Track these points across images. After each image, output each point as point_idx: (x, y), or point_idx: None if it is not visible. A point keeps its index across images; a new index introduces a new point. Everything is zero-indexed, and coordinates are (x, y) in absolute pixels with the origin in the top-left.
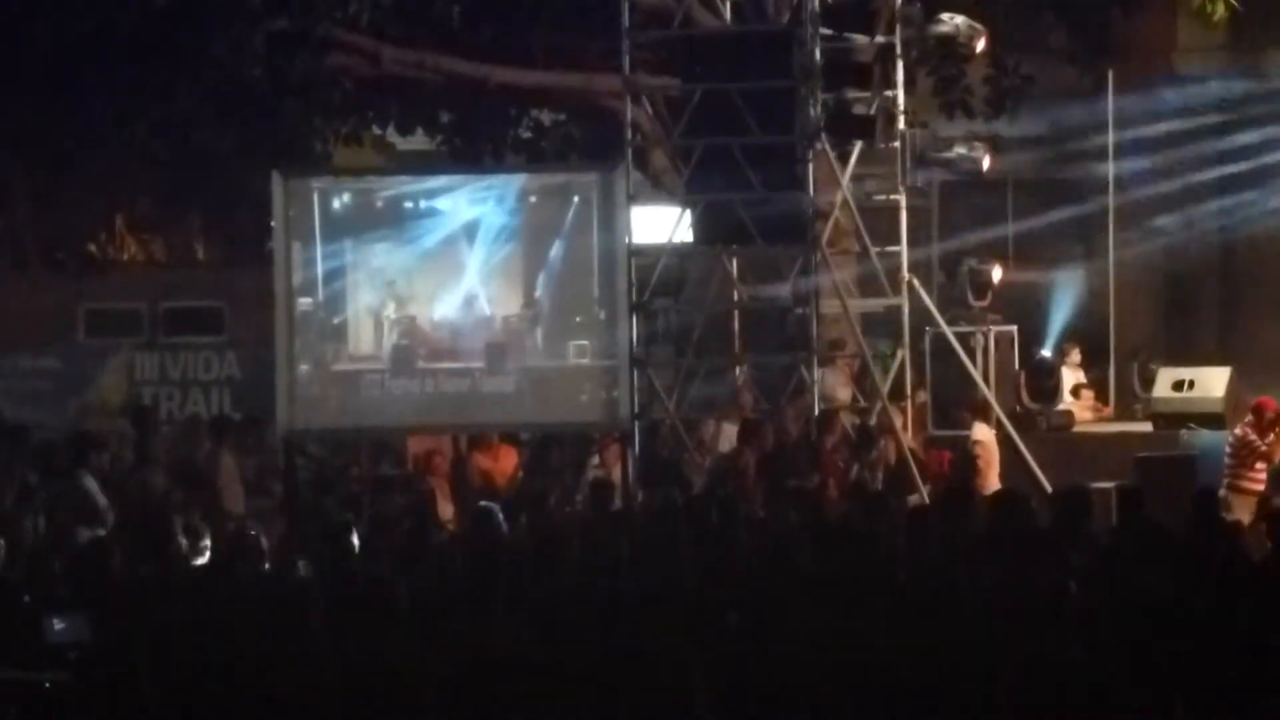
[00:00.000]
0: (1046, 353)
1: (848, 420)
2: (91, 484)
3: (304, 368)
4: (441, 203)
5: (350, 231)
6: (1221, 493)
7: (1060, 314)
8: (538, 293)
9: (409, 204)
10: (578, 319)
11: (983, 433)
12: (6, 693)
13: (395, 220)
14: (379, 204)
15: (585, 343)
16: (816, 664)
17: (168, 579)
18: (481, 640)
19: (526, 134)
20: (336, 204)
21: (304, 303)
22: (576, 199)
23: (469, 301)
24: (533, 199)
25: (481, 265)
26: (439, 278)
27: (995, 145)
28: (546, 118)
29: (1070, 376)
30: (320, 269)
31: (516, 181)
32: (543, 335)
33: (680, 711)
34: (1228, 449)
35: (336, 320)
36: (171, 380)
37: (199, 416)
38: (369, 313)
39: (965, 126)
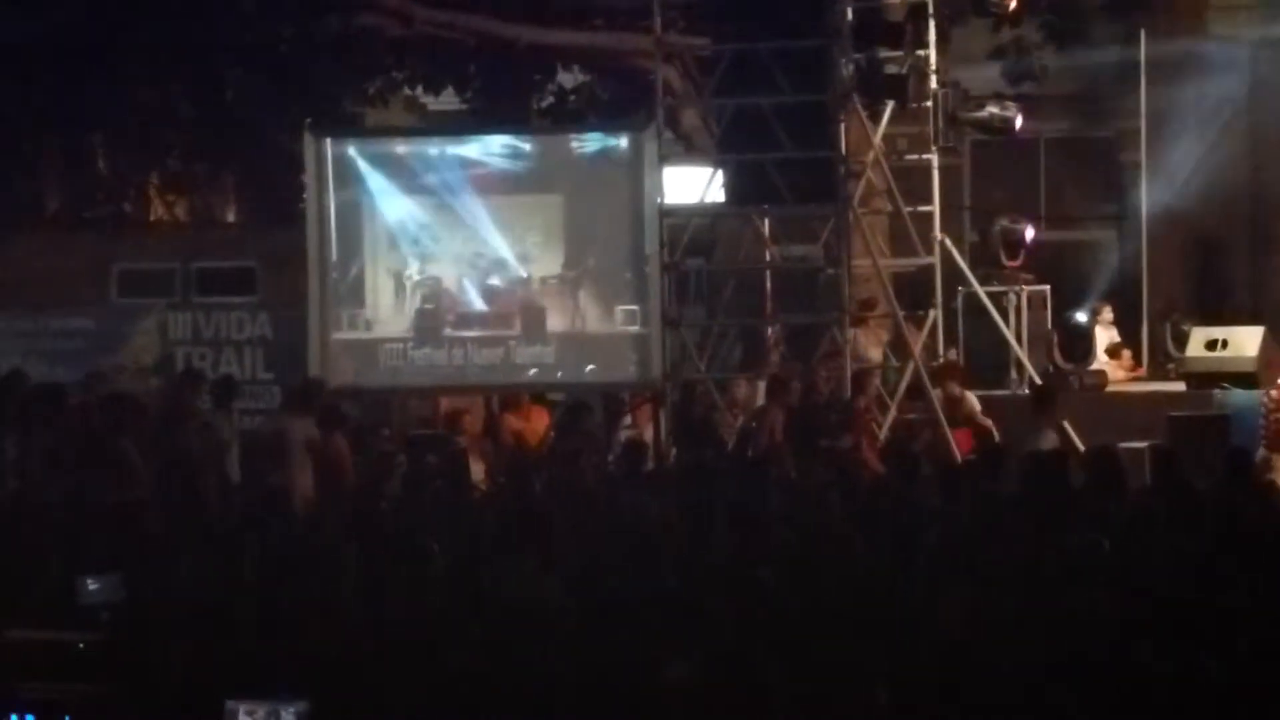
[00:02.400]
0: (1081, 316)
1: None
2: (128, 445)
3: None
4: (469, 152)
5: (366, 182)
6: (1262, 453)
7: (1093, 273)
8: (578, 253)
9: (434, 152)
10: (623, 278)
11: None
12: (40, 653)
13: (417, 172)
14: (400, 154)
15: (635, 308)
16: (848, 621)
17: (201, 539)
18: (515, 598)
19: (554, 93)
20: (353, 152)
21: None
22: (608, 159)
23: (500, 262)
24: (564, 157)
25: (513, 223)
26: (465, 235)
27: (1027, 104)
28: (576, 77)
29: (1104, 336)
30: (334, 224)
31: (548, 140)
32: (585, 298)
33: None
34: (1264, 409)
35: (350, 280)
36: (204, 340)
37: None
38: (389, 273)
39: (997, 85)
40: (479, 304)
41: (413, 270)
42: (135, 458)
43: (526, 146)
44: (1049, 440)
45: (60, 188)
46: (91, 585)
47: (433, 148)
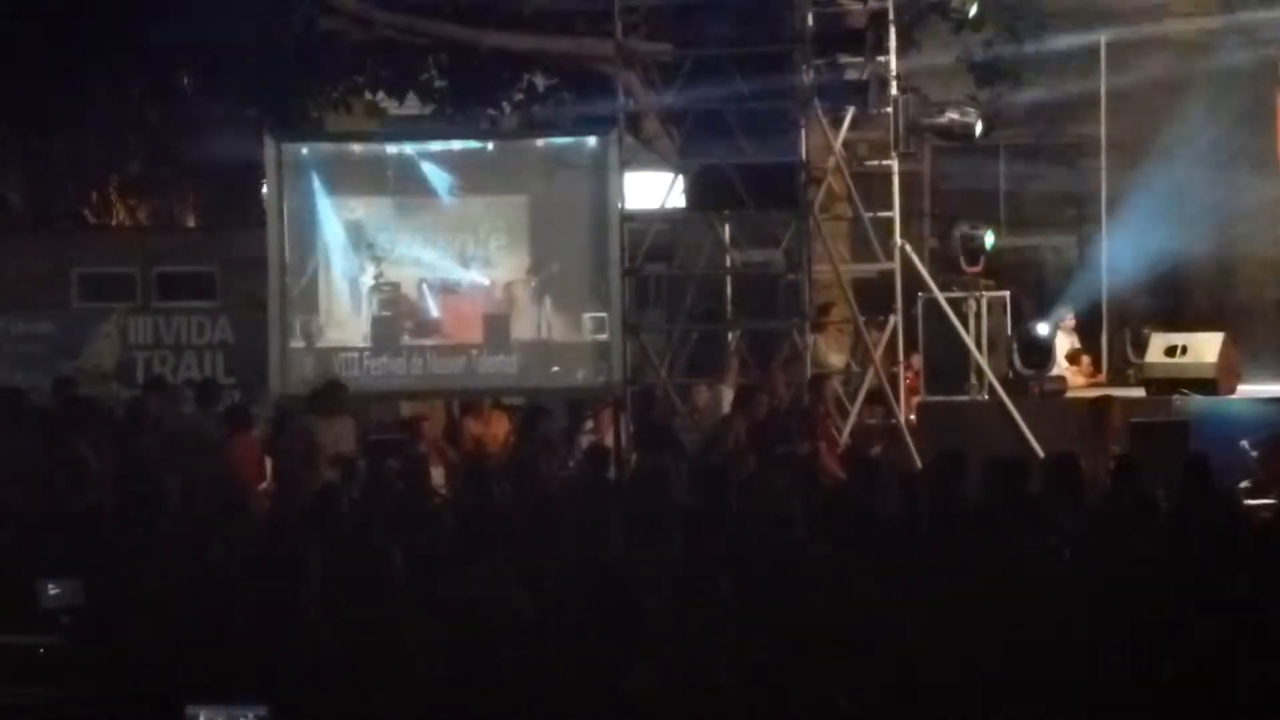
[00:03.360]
0: (1043, 329)
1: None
2: (86, 450)
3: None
4: (430, 153)
5: (322, 185)
6: None
7: (1052, 280)
8: (543, 257)
9: (393, 151)
10: (586, 283)
11: None
12: (1, 658)
13: (376, 173)
14: (358, 155)
15: (602, 315)
16: (807, 627)
17: (161, 544)
18: (475, 602)
19: (519, 98)
20: (310, 155)
21: None
22: (571, 163)
23: (461, 266)
24: (529, 159)
25: (476, 224)
26: (425, 237)
27: (988, 110)
28: (539, 82)
29: (1065, 342)
30: (287, 228)
31: (510, 144)
32: (550, 304)
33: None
34: None
35: (303, 285)
36: (165, 344)
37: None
38: (344, 278)
39: (958, 91)
40: (438, 312)
41: (368, 275)
42: (93, 462)
43: (489, 147)
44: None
45: (21, 191)
46: (52, 589)
47: (391, 148)
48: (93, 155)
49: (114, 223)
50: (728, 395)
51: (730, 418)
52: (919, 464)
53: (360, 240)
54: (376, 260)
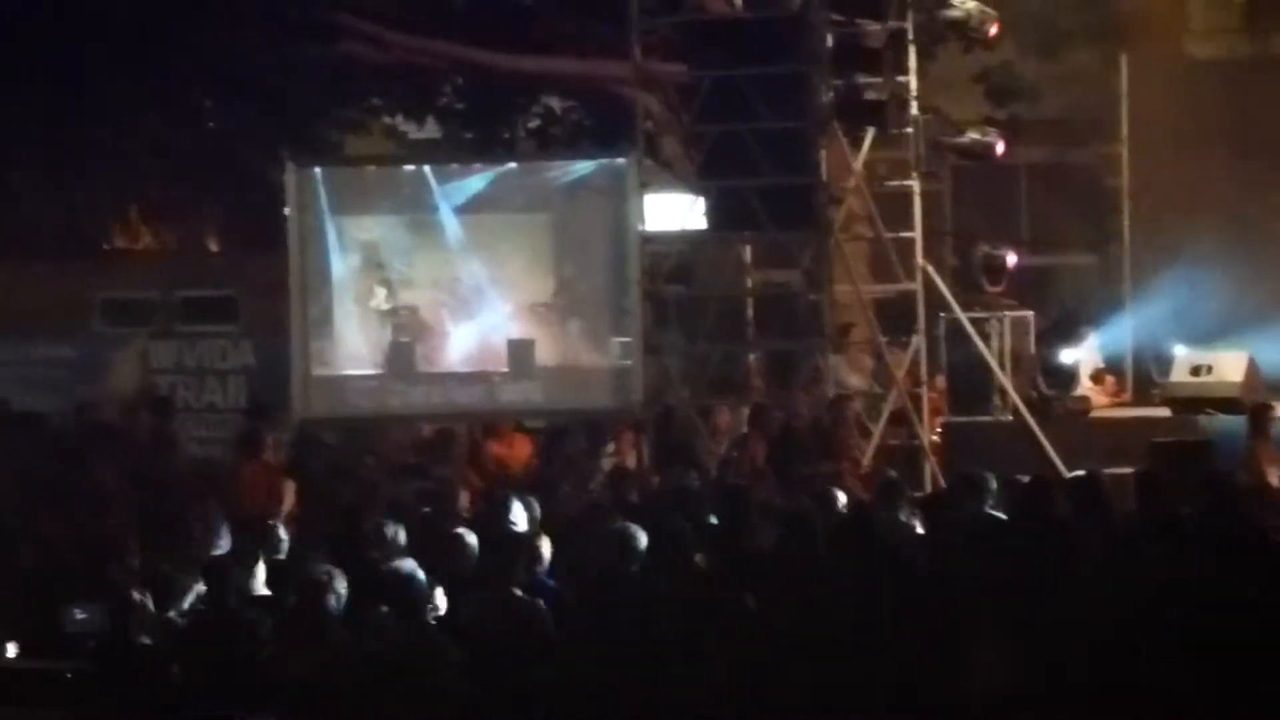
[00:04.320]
0: (1068, 353)
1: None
2: (106, 474)
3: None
4: (445, 178)
5: (338, 207)
6: None
7: (1076, 299)
8: (566, 278)
9: (409, 174)
10: (607, 305)
11: None
12: (26, 682)
13: (392, 194)
14: (372, 176)
15: (629, 339)
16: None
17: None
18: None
19: (536, 120)
20: (327, 177)
21: None
22: (588, 185)
23: (480, 289)
24: (546, 184)
25: (495, 245)
26: (443, 258)
27: (1009, 129)
28: (557, 104)
29: (1087, 361)
30: (307, 252)
31: (528, 166)
32: (574, 326)
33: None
34: None
35: (312, 311)
36: (187, 369)
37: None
38: (355, 301)
39: (977, 108)
40: (458, 337)
41: (379, 299)
42: (113, 487)
43: (508, 170)
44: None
45: (42, 215)
46: (77, 614)
47: (410, 170)
48: (114, 180)
49: (137, 247)
50: (745, 417)
51: (747, 436)
52: (942, 484)
53: (374, 262)
54: (391, 283)
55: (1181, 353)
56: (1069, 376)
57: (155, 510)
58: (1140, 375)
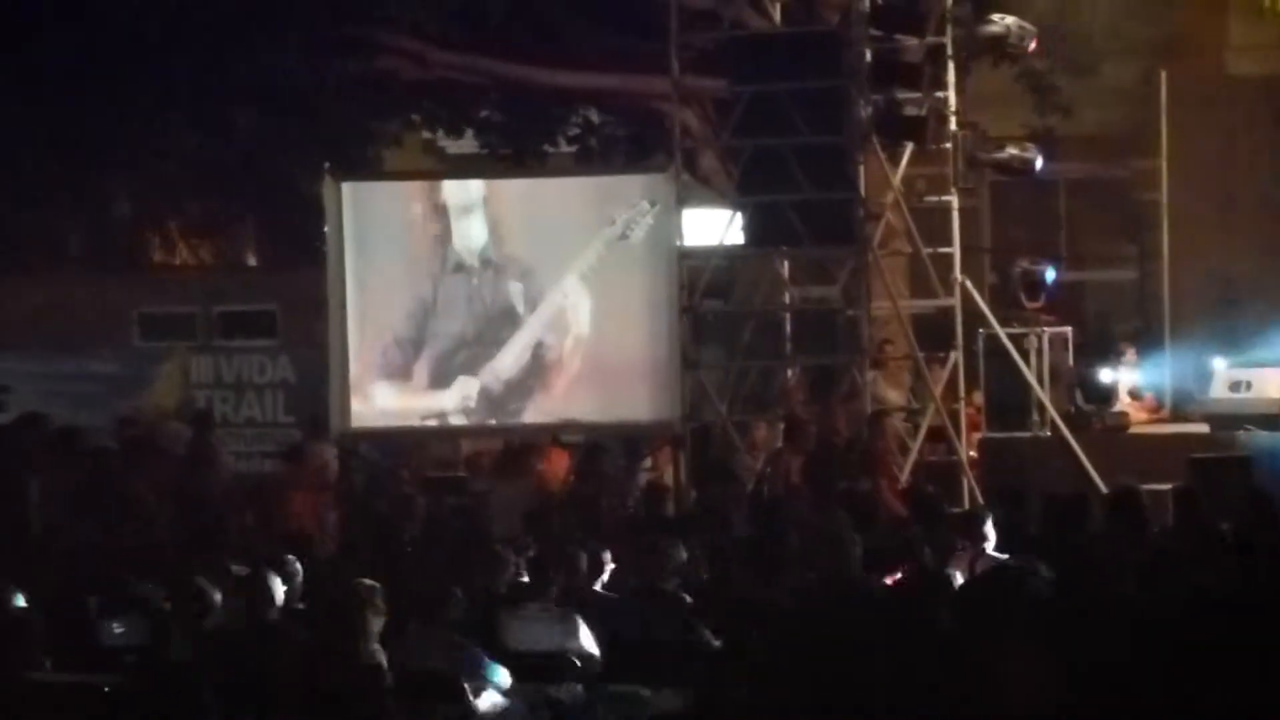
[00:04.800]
0: (1107, 371)
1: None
2: (145, 489)
3: (356, 369)
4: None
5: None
6: None
7: (1114, 314)
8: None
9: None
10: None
11: None
12: (64, 696)
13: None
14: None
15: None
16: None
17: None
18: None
19: (574, 134)
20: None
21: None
22: (626, 200)
23: (537, 349)
24: (583, 199)
25: (529, 263)
26: (482, 272)
27: (1047, 145)
28: (594, 119)
29: (1126, 377)
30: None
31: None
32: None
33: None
34: None
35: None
36: (226, 384)
37: None
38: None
39: (1014, 121)
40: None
41: (424, 313)
42: (153, 502)
43: (547, 185)
44: None
45: (82, 231)
46: (115, 628)
47: (450, 185)
48: (153, 195)
49: (176, 262)
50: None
51: (782, 451)
52: (980, 500)
53: (418, 278)
54: (433, 307)
55: (1221, 368)
56: (1107, 392)
57: (194, 524)
58: (1179, 391)
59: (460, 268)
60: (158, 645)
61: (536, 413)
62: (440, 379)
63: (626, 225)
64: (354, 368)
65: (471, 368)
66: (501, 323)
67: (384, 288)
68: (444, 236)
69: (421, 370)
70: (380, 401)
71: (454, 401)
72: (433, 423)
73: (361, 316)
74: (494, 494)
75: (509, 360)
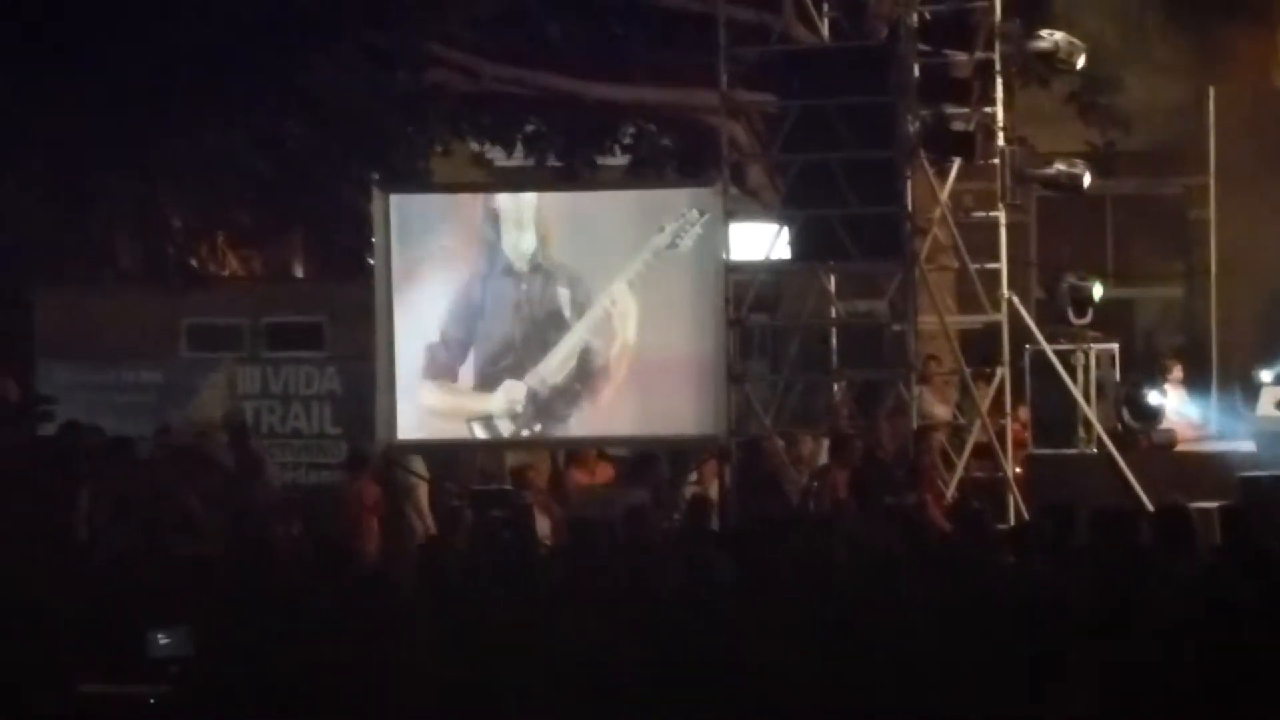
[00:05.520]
0: (1153, 399)
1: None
2: (194, 500)
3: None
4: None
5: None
6: None
7: (1161, 331)
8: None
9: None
10: (691, 333)
11: None
12: (111, 707)
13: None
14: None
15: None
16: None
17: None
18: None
19: (631, 137)
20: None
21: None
22: (672, 228)
23: (583, 355)
24: (632, 212)
25: (579, 275)
26: (530, 285)
27: (1095, 161)
28: (642, 133)
29: (1173, 394)
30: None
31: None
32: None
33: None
34: None
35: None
36: (273, 395)
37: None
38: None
39: (1063, 137)
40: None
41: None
42: (201, 512)
43: (596, 198)
44: None
45: (131, 242)
46: (161, 639)
47: (503, 198)
48: (201, 206)
49: (224, 273)
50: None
51: (829, 466)
52: (1026, 517)
53: (467, 280)
54: (481, 309)
55: (1268, 385)
56: (1154, 410)
57: (240, 534)
58: (1225, 408)
59: (509, 272)
60: (203, 656)
61: (582, 424)
62: (487, 381)
63: (675, 234)
64: (399, 369)
65: (518, 371)
66: (548, 327)
67: (431, 289)
68: (493, 241)
69: (468, 372)
70: (425, 400)
71: (501, 405)
72: (479, 426)
73: (408, 318)
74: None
75: (555, 365)
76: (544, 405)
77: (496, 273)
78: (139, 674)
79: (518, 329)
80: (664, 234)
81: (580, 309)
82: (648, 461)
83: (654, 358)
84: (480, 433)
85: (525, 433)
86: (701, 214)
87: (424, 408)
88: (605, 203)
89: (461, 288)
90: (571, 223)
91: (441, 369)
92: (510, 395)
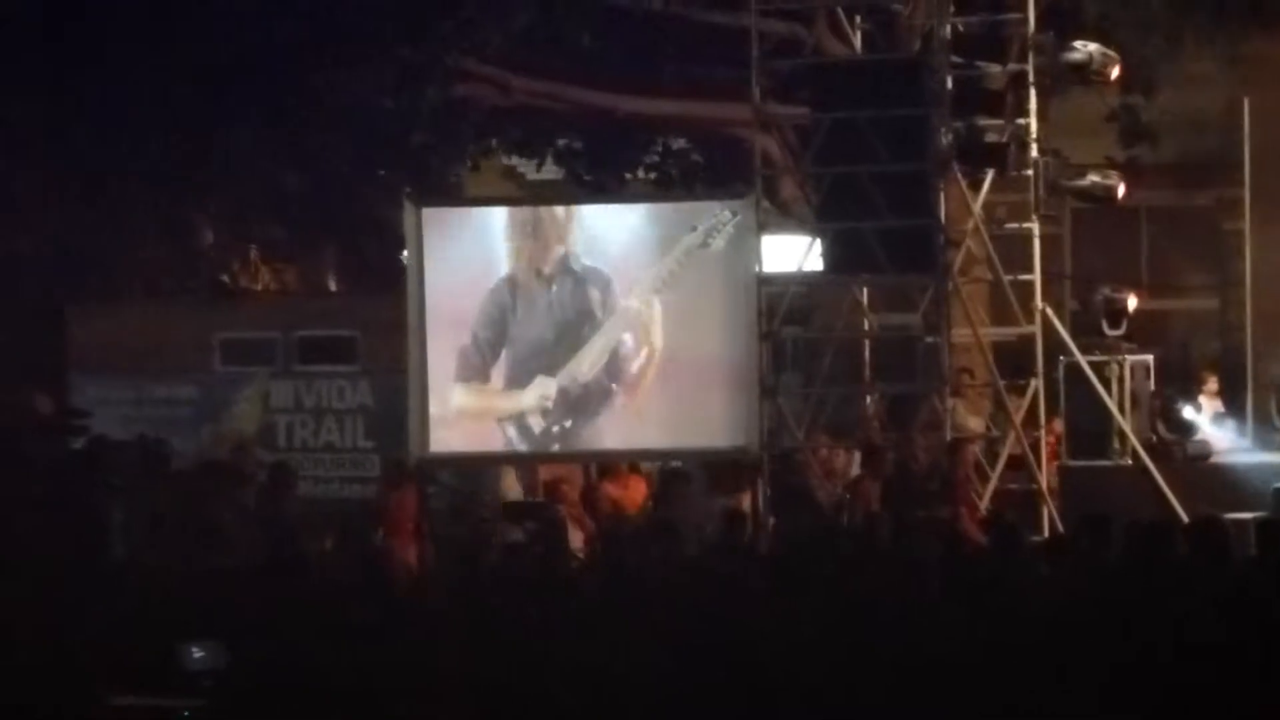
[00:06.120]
0: (1190, 409)
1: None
2: (226, 514)
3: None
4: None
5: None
6: None
7: (1196, 342)
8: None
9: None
10: (723, 345)
11: None
12: None
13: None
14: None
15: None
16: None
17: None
18: (612, 669)
19: (654, 159)
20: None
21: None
22: (705, 227)
23: (615, 352)
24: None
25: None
26: (563, 299)
27: (1129, 172)
28: (674, 146)
29: (1208, 406)
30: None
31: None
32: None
33: None
34: None
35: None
36: (306, 409)
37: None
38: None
39: (1096, 149)
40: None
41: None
42: (234, 526)
43: (627, 211)
44: None
45: (164, 257)
46: (195, 652)
47: (542, 211)
48: (235, 221)
49: (257, 287)
50: None
51: (860, 478)
52: (1060, 529)
53: (498, 283)
54: (513, 302)
55: None
56: (1189, 422)
57: (273, 548)
58: (1261, 420)
59: (540, 275)
60: (237, 670)
61: (613, 421)
62: (518, 380)
63: (708, 234)
64: (431, 371)
65: (550, 370)
66: (580, 325)
67: (463, 293)
68: (525, 245)
69: (499, 373)
70: (456, 402)
71: (532, 401)
72: (511, 425)
73: (439, 323)
74: None
75: (587, 363)
76: (575, 402)
77: (529, 276)
78: (172, 687)
79: (550, 331)
80: (696, 233)
81: (611, 309)
82: (679, 476)
83: (684, 360)
84: (512, 431)
85: (556, 428)
86: (734, 214)
87: (455, 410)
88: (637, 209)
89: (492, 291)
90: (605, 225)
91: (473, 371)
92: (542, 391)
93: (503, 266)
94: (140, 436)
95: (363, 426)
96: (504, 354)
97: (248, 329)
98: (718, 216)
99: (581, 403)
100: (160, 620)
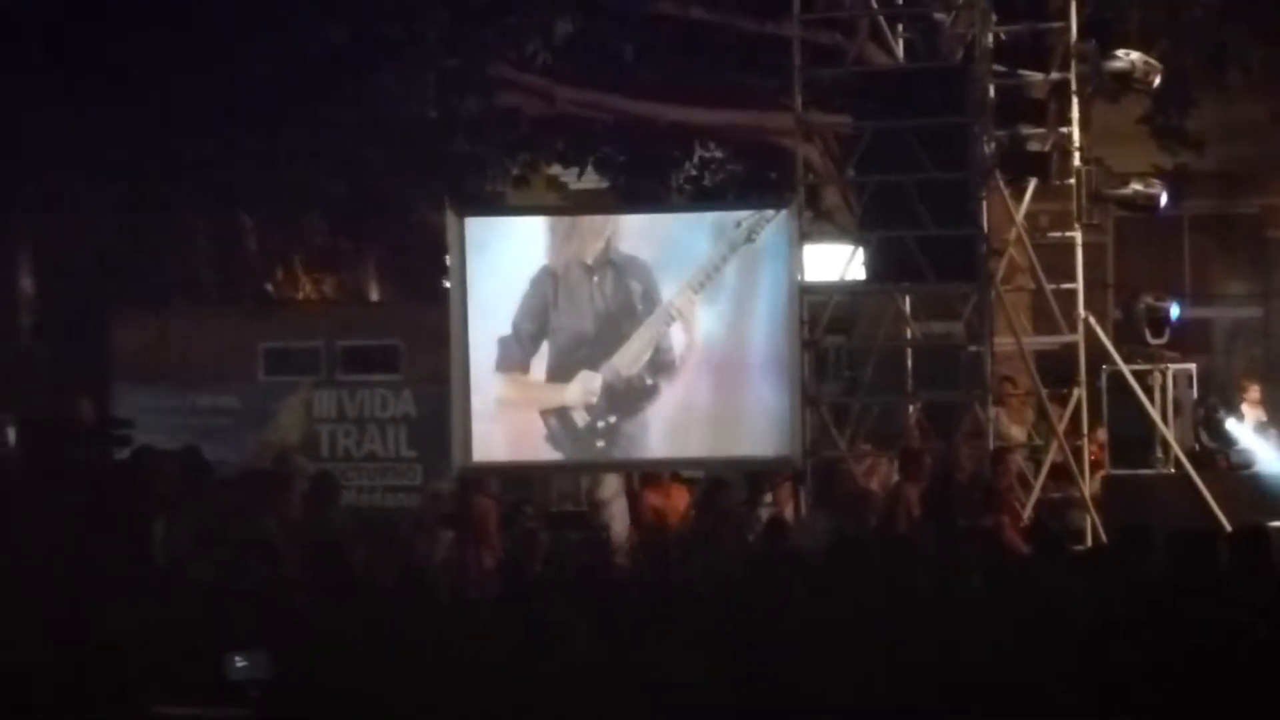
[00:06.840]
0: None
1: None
2: (270, 523)
3: (478, 403)
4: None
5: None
6: None
7: (1239, 351)
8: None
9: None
10: (766, 354)
11: None
12: None
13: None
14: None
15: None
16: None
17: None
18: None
19: (694, 170)
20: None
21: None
22: (749, 235)
23: (658, 348)
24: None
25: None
26: (604, 311)
27: (1171, 181)
28: (715, 154)
29: (1250, 415)
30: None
31: (690, 216)
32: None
33: None
34: None
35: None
36: (349, 418)
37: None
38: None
39: (1139, 158)
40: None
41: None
42: (279, 536)
43: (671, 220)
44: None
45: (209, 266)
46: (239, 662)
47: (584, 220)
48: (278, 230)
49: (300, 297)
50: None
51: (900, 485)
52: (1103, 538)
53: (539, 275)
54: (554, 294)
55: None
56: (1232, 431)
57: (318, 558)
58: None
59: (583, 265)
60: (282, 679)
61: (658, 417)
62: (561, 373)
63: (751, 229)
64: (472, 362)
65: (592, 363)
66: (622, 318)
67: (505, 302)
68: (566, 248)
69: (539, 364)
70: (496, 392)
71: (576, 395)
72: (554, 418)
73: (482, 332)
74: None
75: (629, 357)
76: (618, 397)
77: (570, 268)
78: (218, 697)
79: (591, 323)
80: (740, 228)
81: (652, 303)
82: (721, 486)
83: (726, 361)
84: (555, 424)
85: (601, 424)
86: (776, 210)
87: (495, 400)
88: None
89: (533, 282)
90: (645, 223)
91: (513, 362)
92: (586, 386)
93: (542, 258)
94: (185, 447)
95: (405, 436)
96: (545, 345)
97: (291, 338)
98: (761, 213)
99: (625, 399)
100: (206, 630)
